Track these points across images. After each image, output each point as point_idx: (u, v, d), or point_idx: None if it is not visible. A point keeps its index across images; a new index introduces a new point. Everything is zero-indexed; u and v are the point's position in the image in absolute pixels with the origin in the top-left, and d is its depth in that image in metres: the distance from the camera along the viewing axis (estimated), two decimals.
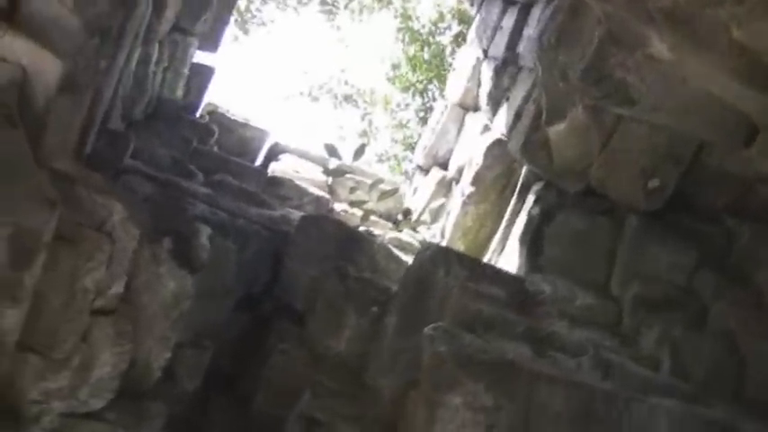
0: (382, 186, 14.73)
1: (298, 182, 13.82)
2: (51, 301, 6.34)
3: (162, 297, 7.55)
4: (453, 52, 22.54)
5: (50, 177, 6.44)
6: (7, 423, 6.45)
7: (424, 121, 22.34)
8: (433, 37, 24.24)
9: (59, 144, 7.09)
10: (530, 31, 12.59)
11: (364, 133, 25.86)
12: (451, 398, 7.27)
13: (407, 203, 15.29)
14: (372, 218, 13.70)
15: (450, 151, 15.19)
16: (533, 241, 10.29)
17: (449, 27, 23.99)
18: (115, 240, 6.85)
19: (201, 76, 15.47)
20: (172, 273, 7.57)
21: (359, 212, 13.77)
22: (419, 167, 16.06)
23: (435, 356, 7.74)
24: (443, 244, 12.25)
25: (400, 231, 13.50)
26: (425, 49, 24.18)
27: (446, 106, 15.81)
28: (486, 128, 13.49)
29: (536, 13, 12.60)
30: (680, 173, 9.67)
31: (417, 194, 15.28)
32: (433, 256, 8.98)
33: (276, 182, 13.50)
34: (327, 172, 15.10)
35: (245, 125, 15.99)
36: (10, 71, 6.45)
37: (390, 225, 13.99)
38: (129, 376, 7.67)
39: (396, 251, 11.14)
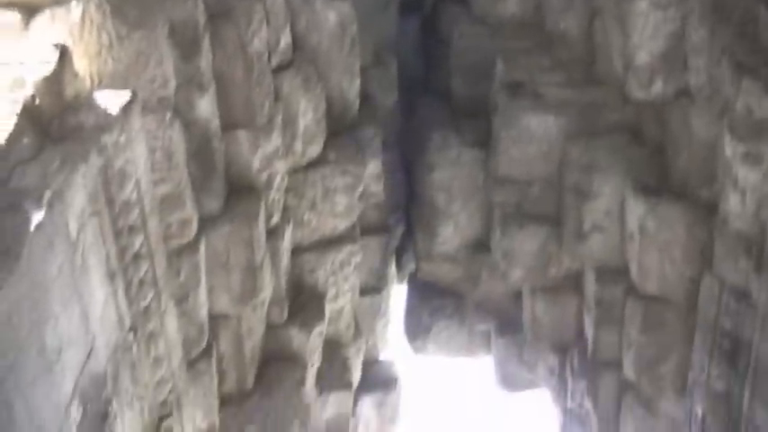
0: None
1: None
2: (233, 76, 6.50)
3: (329, 30, 7.61)
4: None
5: None
6: (248, 198, 6.83)
7: None
8: None
9: None
10: None
11: None
12: (637, 4, 7.12)
13: None
14: None
15: None
16: None
17: None
18: None
19: None
20: (327, 4, 7.58)
21: None
22: None
23: None
24: None
25: None
26: None
27: None
28: None
29: None
30: None
31: None
32: None
33: None
34: None
35: None
36: None
37: None
38: (332, 115, 7.92)
39: None
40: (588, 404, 9.11)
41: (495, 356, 10.21)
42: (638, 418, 8.61)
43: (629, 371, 8.37)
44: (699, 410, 7.54)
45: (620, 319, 8.28)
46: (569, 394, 9.50)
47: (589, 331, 8.77)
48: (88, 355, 4.37)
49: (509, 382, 10.29)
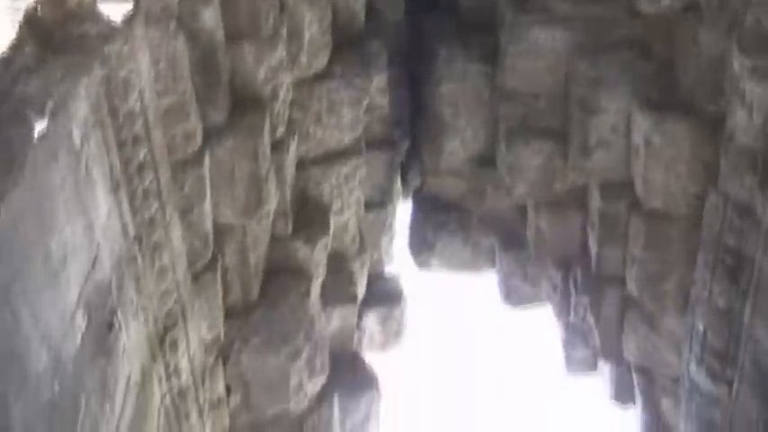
0: None
1: None
2: None
3: None
4: None
5: None
6: (253, 110, 6.79)
7: None
8: None
9: None
10: None
11: None
12: None
13: None
14: None
15: None
16: None
17: None
18: None
19: None
20: None
21: None
22: None
23: None
24: None
25: None
26: None
27: None
28: None
29: None
30: None
31: None
32: None
33: None
34: None
35: None
36: None
37: None
38: (337, 26, 7.83)
39: None
40: (591, 320, 9.18)
41: (499, 272, 10.26)
42: (639, 334, 8.69)
43: (631, 287, 8.42)
44: (700, 326, 7.59)
45: (624, 236, 8.30)
46: (572, 310, 9.57)
47: (593, 247, 8.80)
48: (93, 265, 4.41)
49: (513, 297, 10.35)
